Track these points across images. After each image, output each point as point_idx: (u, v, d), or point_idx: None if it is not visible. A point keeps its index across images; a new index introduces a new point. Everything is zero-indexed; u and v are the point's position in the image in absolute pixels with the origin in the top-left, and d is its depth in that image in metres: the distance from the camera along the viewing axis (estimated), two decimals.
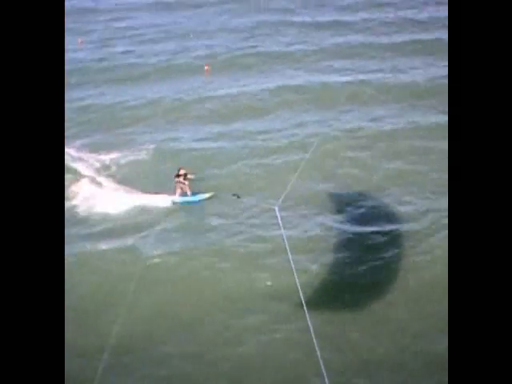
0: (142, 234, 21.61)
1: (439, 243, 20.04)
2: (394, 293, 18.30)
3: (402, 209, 22.58)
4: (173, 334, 17.30)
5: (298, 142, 27.32)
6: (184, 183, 24.06)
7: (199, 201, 23.66)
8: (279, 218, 17.86)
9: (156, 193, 23.90)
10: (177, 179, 24.06)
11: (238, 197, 22.99)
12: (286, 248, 16.52)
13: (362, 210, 22.74)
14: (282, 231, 17.46)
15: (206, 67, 35.91)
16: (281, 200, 18.67)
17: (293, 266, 15.27)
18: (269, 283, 18.89)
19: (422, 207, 22.63)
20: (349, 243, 20.94)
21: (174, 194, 24.08)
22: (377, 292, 18.42)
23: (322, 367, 11.15)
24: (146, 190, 23.89)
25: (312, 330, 12.16)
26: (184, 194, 24.20)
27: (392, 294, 18.27)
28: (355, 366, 15.94)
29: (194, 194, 23.90)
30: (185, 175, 24.02)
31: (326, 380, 11.04)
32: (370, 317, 17.47)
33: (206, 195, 23.72)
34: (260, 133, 28.50)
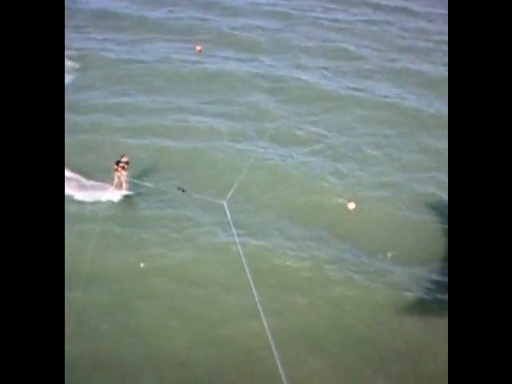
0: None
1: None
2: None
3: None
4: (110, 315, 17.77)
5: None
6: (122, 173, 22.62)
7: None
8: (228, 215, 17.29)
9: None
10: (116, 167, 22.64)
11: (183, 190, 21.55)
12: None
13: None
14: (232, 227, 16.99)
15: (198, 47, 35.95)
16: (229, 195, 18.17)
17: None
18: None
19: None
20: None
21: (111, 184, 22.83)
22: None
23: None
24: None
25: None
26: (119, 184, 22.85)
27: None
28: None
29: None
30: (126, 163, 22.58)
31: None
32: None
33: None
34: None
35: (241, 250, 15.87)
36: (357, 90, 33.39)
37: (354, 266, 20.70)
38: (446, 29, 41.08)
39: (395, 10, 45.91)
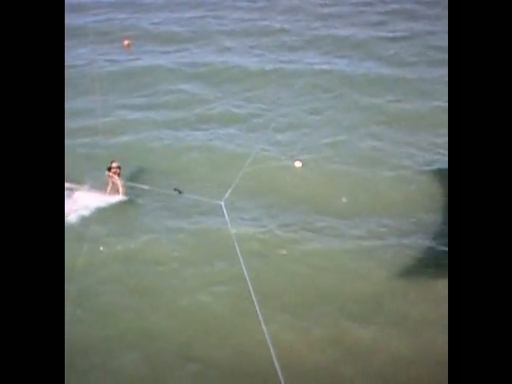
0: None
1: None
2: None
3: None
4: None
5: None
6: (115, 177, 22.32)
7: None
8: (226, 215, 17.28)
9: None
10: (108, 173, 22.37)
11: (180, 192, 21.31)
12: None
13: None
14: (229, 227, 16.98)
15: (125, 42, 35.32)
16: (227, 195, 18.19)
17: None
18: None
19: None
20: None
21: (106, 189, 22.50)
22: None
23: None
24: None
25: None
26: (115, 189, 22.52)
27: None
28: None
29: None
30: (118, 168, 22.28)
31: None
32: None
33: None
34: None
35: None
36: (286, 62, 33.84)
37: (309, 225, 21.13)
38: None
39: None
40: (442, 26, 37.20)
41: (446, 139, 26.29)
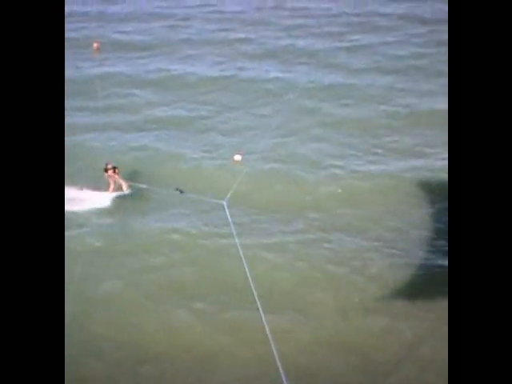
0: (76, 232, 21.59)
1: None
2: None
3: None
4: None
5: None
6: (115, 177, 23.20)
7: None
8: (228, 214, 17.34)
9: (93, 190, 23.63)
10: (106, 174, 23.36)
11: (181, 191, 21.37)
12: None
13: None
14: (232, 227, 17.00)
15: (95, 44, 36.30)
16: (229, 194, 18.33)
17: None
18: None
19: None
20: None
21: (108, 190, 23.42)
22: None
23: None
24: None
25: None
26: (118, 187, 23.39)
27: None
28: None
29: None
30: (114, 168, 23.19)
31: None
32: None
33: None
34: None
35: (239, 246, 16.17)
36: (243, 69, 34.87)
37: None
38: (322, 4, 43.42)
39: None
40: (397, 37, 38.38)
41: (386, 140, 27.24)
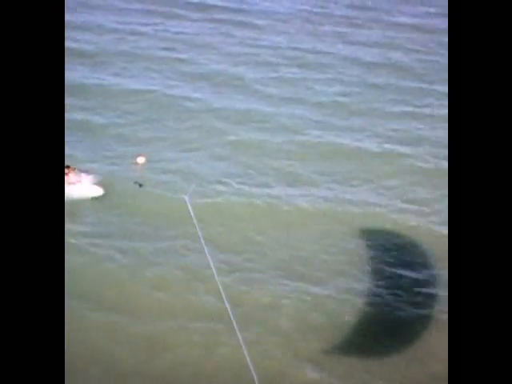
0: None
1: None
2: None
3: None
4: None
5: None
6: (74, 175, 23.36)
7: None
8: (190, 209, 17.32)
9: None
10: (66, 172, 23.37)
11: (140, 185, 21.37)
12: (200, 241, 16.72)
13: None
14: (195, 222, 16.98)
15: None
16: (191, 189, 18.50)
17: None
18: None
19: None
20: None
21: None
22: None
23: None
24: None
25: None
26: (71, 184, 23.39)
27: None
28: None
29: None
30: (67, 167, 23.41)
31: None
32: None
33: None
34: None
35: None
36: (168, 87, 36.17)
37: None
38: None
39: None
40: (330, 74, 39.82)
41: (283, 163, 28.55)
